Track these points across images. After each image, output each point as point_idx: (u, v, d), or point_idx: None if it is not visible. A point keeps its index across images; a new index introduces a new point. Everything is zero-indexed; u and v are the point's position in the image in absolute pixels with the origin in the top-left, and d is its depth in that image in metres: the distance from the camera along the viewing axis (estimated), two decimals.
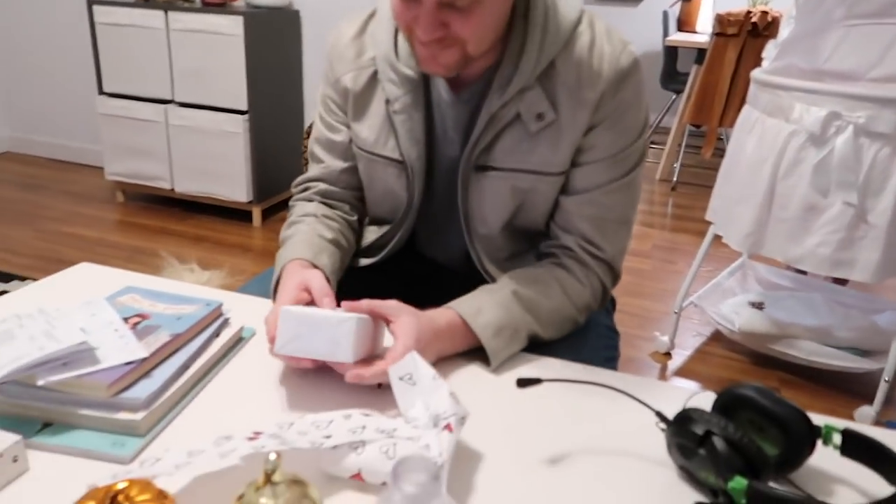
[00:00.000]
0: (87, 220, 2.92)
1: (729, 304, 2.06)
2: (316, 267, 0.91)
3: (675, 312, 1.99)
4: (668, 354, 2.02)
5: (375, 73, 0.94)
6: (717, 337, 2.15)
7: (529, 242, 0.98)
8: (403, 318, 0.78)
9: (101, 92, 2.96)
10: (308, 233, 0.96)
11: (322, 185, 1.03)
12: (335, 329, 0.73)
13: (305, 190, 1.05)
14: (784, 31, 1.82)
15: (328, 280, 0.90)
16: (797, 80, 1.59)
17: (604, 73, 0.86)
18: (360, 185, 1.05)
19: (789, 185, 1.57)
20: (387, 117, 0.94)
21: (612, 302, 1.06)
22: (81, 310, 0.80)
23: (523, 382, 0.68)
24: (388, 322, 0.79)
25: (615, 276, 0.95)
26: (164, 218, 2.98)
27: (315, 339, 0.73)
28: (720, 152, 3.99)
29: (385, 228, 1.04)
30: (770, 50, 1.88)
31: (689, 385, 1.91)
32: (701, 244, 1.94)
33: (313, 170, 1.05)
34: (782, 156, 1.58)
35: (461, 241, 0.98)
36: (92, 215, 2.98)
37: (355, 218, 1.05)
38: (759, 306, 2.00)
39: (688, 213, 3.43)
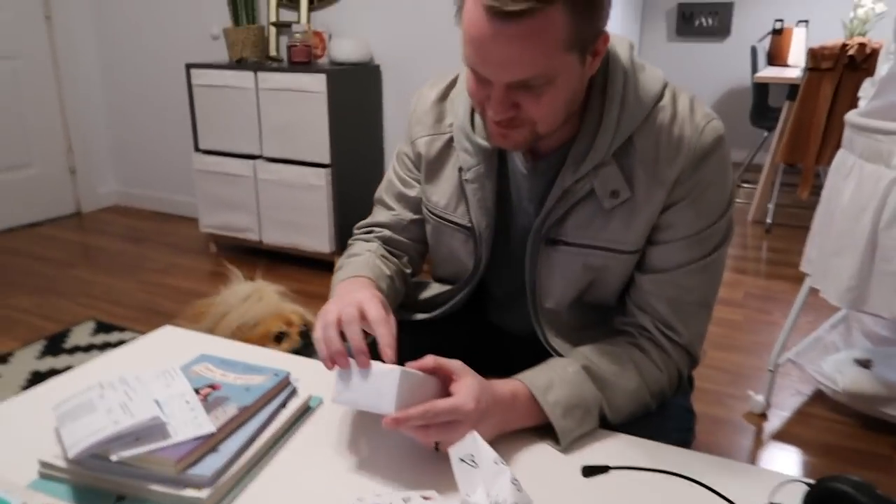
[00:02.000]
0: (184, 271, 3.08)
1: (831, 360, 1.90)
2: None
3: (770, 370, 1.87)
4: (763, 416, 1.89)
5: (451, 140, 0.95)
6: (819, 396, 1.99)
7: (599, 317, 0.94)
8: (466, 378, 0.76)
9: (196, 149, 3.14)
10: (370, 258, 0.97)
11: (387, 233, 1.04)
12: (381, 379, 0.71)
13: (369, 233, 1.05)
14: (883, 68, 1.70)
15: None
16: None
17: (683, 150, 0.81)
18: (425, 239, 1.04)
19: (893, 236, 1.45)
20: (459, 184, 0.94)
21: (691, 381, 1.00)
22: (158, 379, 0.83)
23: (590, 471, 0.65)
24: (450, 381, 0.77)
25: (693, 362, 0.90)
26: (252, 268, 3.09)
27: (363, 389, 0.72)
28: (818, 190, 3.77)
29: (447, 287, 1.03)
30: (867, 88, 1.76)
31: (786, 454, 1.77)
32: (799, 291, 1.81)
33: (381, 215, 1.05)
34: (884, 204, 1.46)
35: (528, 313, 0.96)
36: (188, 266, 3.14)
37: (410, 271, 1.05)
38: (865, 364, 1.84)
39: (784, 258, 3.24)
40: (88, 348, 2.31)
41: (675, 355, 0.87)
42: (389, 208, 1.05)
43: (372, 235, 1.05)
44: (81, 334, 2.41)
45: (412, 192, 1.02)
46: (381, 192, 1.07)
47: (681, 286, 0.85)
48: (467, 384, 0.75)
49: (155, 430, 0.71)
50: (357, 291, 0.84)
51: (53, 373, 2.12)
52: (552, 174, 0.87)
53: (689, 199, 0.83)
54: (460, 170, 0.93)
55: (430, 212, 0.99)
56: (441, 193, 0.96)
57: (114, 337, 2.39)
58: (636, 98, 0.83)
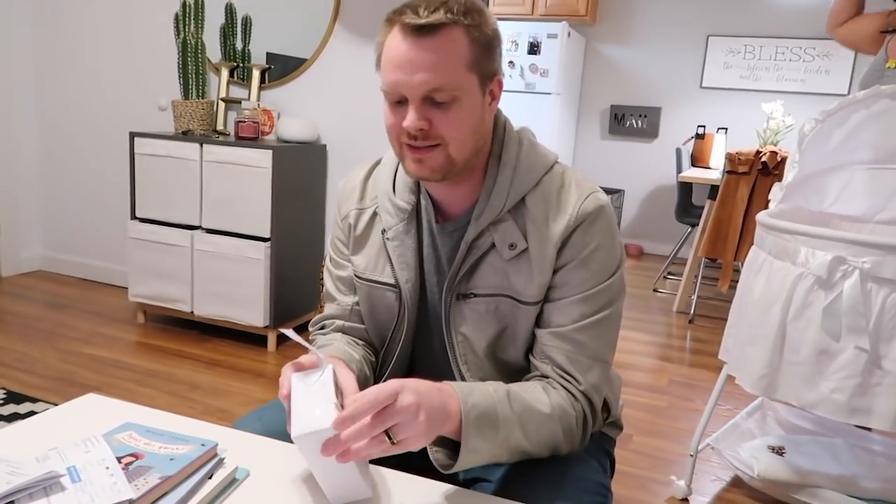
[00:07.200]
0: (107, 341, 2.96)
1: (747, 447, 1.98)
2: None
3: (691, 455, 1.92)
4: (685, 500, 1.93)
5: (376, 213, 1.04)
6: (737, 482, 2.05)
7: (514, 374, 1.00)
8: (403, 392, 0.76)
9: (133, 217, 3.10)
10: (339, 346, 1.02)
11: (339, 322, 1.09)
12: (318, 393, 0.79)
13: (322, 328, 1.11)
14: (789, 175, 1.87)
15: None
16: (800, 224, 1.62)
17: (569, 212, 0.93)
18: None
19: (800, 328, 1.56)
20: (382, 246, 1.02)
21: (612, 462, 1.07)
22: (77, 447, 0.81)
23: None
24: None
25: (594, 412, 0.95)
26: (182, 341, 3.01)
27: (301, 409, 0.79)
28: (737, 283, 3.98)
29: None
30: (776, 192, 1.93)
31: None
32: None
33: (329, 309, 1.11)
34: (791, 298, 1.58)
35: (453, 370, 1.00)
36: (112, 336, 3.03)
37: (374, 359, 1.08)
38: (779, 451, 1.92)
39: (706, 348, 3.39)
40: None
41: (579, 398, 0.93)
42: (333, 300, 1.11)
43: (327, 330, 1.10)
44: None
45: (345, 273, 1.09)
46: (325, 289, 1.14)
47: (575, 341, 0.94)
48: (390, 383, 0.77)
49: (54, 482, 0.69)
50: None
51: None
52: (460, 234, 0.98)
53: (578, 259, 0.93)
54: (383, 231, 1.02)
55: (358, 277, 1.06)
56: (367, 257, 1.05)
57: (24, 408, 2.26)
58: (528, 165, 0.96)
